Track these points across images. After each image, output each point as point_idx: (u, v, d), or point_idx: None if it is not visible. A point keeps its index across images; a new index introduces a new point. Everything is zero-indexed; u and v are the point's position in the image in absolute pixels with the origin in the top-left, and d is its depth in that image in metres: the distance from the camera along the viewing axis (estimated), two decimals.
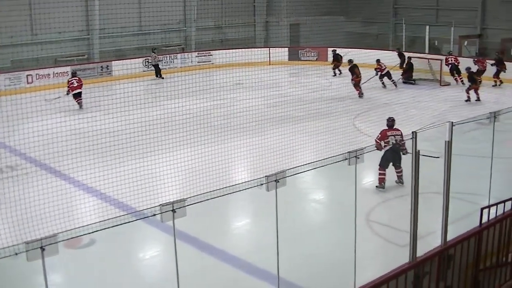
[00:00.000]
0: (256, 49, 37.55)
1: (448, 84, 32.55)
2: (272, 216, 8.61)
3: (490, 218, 10.39)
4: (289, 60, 40.46)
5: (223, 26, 41.49)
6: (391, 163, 16.89)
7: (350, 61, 30.04)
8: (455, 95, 29.52)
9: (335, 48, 37.11)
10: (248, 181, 8.52)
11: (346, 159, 9.01)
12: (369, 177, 17.74)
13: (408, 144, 9.13)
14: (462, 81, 31.79)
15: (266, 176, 8.32)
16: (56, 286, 11.73)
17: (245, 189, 8.23)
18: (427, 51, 37.04)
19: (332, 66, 36.04)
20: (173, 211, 7.41)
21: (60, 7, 30.68)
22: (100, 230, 7.05)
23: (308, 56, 40.88)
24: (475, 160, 17.62)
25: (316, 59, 40.57)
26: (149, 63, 36.75)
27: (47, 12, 30.45)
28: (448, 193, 9.72)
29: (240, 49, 37.36)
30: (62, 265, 12.02)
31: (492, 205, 10.88)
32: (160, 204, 7.44)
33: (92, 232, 7.11)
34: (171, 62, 38.08)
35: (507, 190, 13.24)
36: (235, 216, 15.81)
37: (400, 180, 17.04)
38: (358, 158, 9.01)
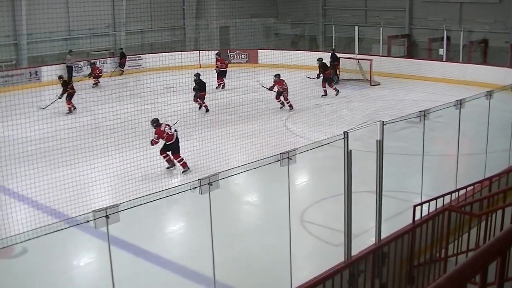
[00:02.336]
0: (186, 52, 37.32)
1: (378, 84, 32.90)
2: (206, 219, 8.52)
3: (422, 215, 10.51)
4: None
5: (153, 30, 41.16)
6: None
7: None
8: (385, 95, 29.87)
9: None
10: (181, 185, 8.43)
11: (279, 160, 8.97)
12: (302, 178, 17.81)
13: (340, 144, 9.11)
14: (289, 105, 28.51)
15: (199, 179, 8.23)
16: None
17: (178, 192, 8.15)
18: (356, 51, 37.41)
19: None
20: (107, 217, 7.29)
21: None
22: (33, 238, 6.89)
23: (238, 59, 40.86)
24: (406, 158, 17.86)
25: (246, 61, 40.56)
26: (67, 65, 36.06)
27: None
28: (381, 191, 9.79)
29: (170, 53, 37.19)
30: None
31: (424, 202, 11.02)
32: (93, 210, 7.31)
33: (25, 241, 6.95)
34: (101, 66, 37.62)
35: (438, 187, 13.41)
36: (169, 220, 15.66)
37: (171, 164, 18.78)
38: (291, 159, 8.99)
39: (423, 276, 9.87)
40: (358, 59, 34.70)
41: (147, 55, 39.54)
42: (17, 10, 35.54)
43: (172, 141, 18.51)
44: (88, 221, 7.40)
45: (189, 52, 38.53)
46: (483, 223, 9.22)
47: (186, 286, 11.86)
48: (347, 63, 34.22)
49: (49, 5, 32.34)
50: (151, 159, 17.69)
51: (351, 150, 9.09)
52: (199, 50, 40.50)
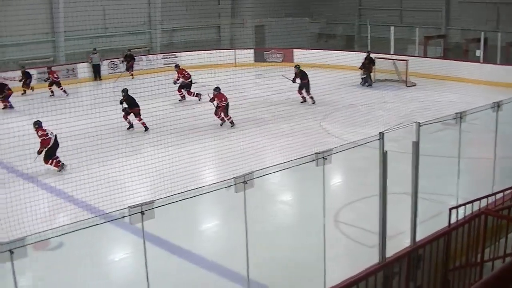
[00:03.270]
0: (221, 50, 37.38)
1: (414, 85, 32.66)
2: (241, 218, 8.55)
3: (458, 218, 10.43)
4: (255, 61, 40.36)
5: (188, 28, 41.27)
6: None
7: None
8: (421, 96, 29.66)
9: None
10: (216, 183, 8.46)
11: (314, 160, 8.96)
12: (337, 178, 17.77)
13: (374, 144, 9.11)
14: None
15: (234, 177, 8.26)
16: None
17: (214, 190, 8.18)
18: (392, 51, 37.14)
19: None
20: (142, 213, 7.35)
21: (23, 10, 30.47)
22: (69, 232, 6.96)
23: (274, 58, 40.84)
24: (442, 161, 17.71)
25: (282, 60, 40.52)
26: (91, 63, 36.28)
27: (10, 15, 30.27)
28: (417, 193, 9.74)
29: (205, 51, 37.24)
30: (31, 267, 11.88)
31: (460, 205, 10.92)
32: (129, 206, 7.38)
33: (61, 235, 7.03)
34: (136, 64, 37.88)
35: (474, 190, 13.27)
36: (204, 218, 15.72)
37: (60, 167, 18.61)
38: (326, 159, 8.97)
39: (458, 280, 9.80)
40: (393, 59, 34.47)
41: (182, 53, 39.67)
42: (55, 8, 35.91)
43: (50, 145, 18.58)
44: (123, 217, 7.47)
45: (224, 50, 38.55)
46: None
47: (220, 284, 11.91)
48: (382, 63, 33.94)
49: (86, 2, 32.68)
50: (187, 157, 17.75)
51: (386, 151, 9.06)
52: (235, 49, 40.58)
